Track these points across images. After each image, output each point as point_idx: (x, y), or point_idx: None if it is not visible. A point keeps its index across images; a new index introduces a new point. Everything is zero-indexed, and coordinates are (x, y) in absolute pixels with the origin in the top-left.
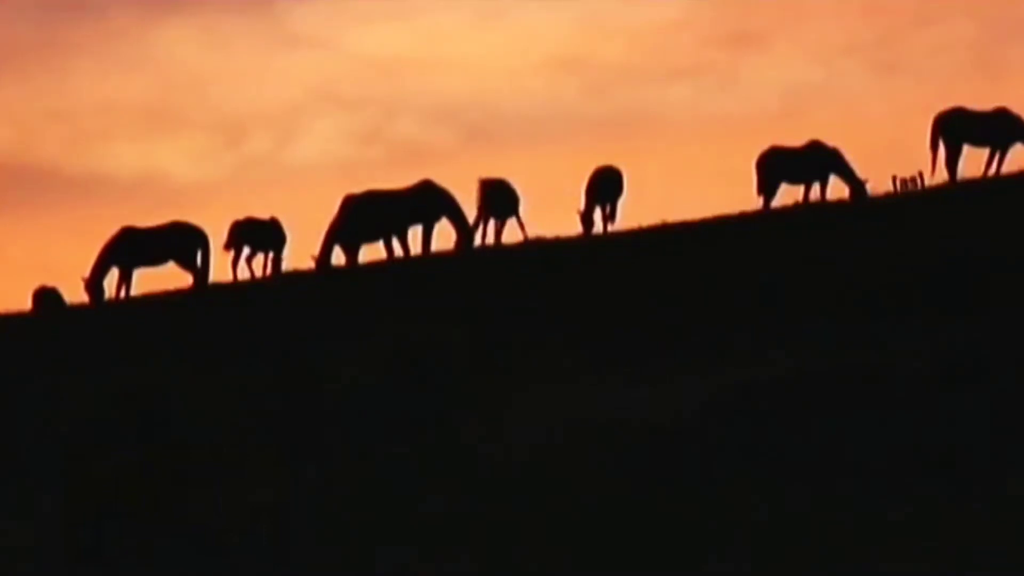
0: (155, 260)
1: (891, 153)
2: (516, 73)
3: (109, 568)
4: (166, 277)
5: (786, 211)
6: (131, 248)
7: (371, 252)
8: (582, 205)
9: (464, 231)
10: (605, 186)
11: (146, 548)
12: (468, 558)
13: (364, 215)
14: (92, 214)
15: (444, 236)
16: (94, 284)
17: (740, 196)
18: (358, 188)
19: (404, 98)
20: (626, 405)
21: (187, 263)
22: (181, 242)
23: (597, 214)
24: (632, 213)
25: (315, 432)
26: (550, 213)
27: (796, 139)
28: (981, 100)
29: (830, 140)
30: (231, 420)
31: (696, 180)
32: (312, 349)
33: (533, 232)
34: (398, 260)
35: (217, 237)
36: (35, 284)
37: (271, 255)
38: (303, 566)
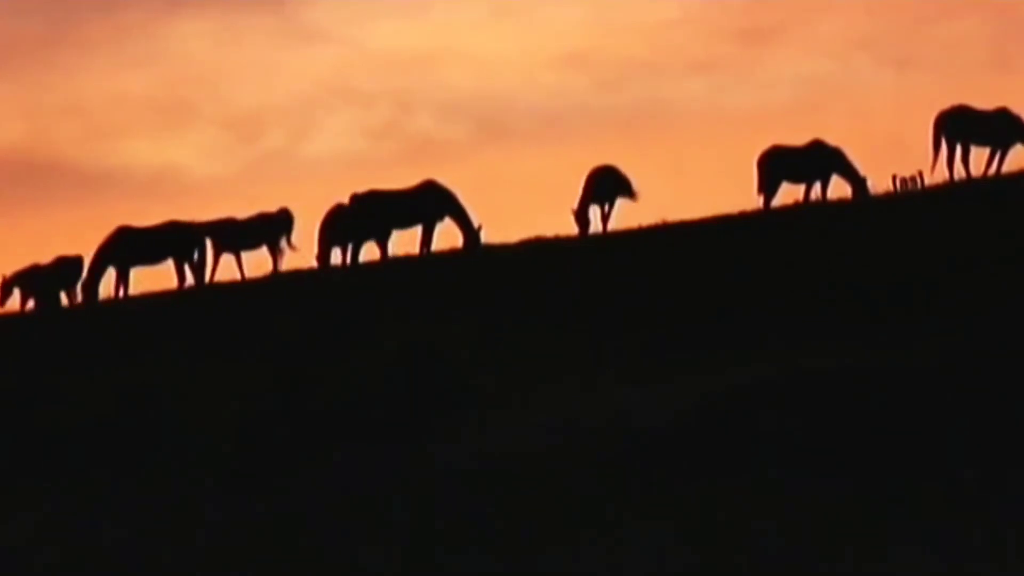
0: (152, 260)
1: (902, 150)
2: (529, 68)
3: (109, 568)
4: (166, 277)
5: (786, 211)
6: (127, 248)
7: (371, 252)
8: (575, 204)
9: (469, 231)
10: (603, 186)
11: (146, 548)
12: (468, 557)
13: (366, 214)
14: (104, 210)
15: (445, 236)
16: (90, 284)
17: (750, 193)
18: (371, 183)
19: (417, 93)
20: (623, 405)
21: (185, 262)
22: (178, 242)
23: (594, 214)
24: (634, 212)
25: (315, 432)
26: (555, 211)
27: (808, 135)
28: (994, 97)
29: (841, 137)
30: (231, 420)
31: (707, 176)
32: (312, 349)
33: (534, 232)
34: (398, 260)
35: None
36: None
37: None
38: (304, 566)
